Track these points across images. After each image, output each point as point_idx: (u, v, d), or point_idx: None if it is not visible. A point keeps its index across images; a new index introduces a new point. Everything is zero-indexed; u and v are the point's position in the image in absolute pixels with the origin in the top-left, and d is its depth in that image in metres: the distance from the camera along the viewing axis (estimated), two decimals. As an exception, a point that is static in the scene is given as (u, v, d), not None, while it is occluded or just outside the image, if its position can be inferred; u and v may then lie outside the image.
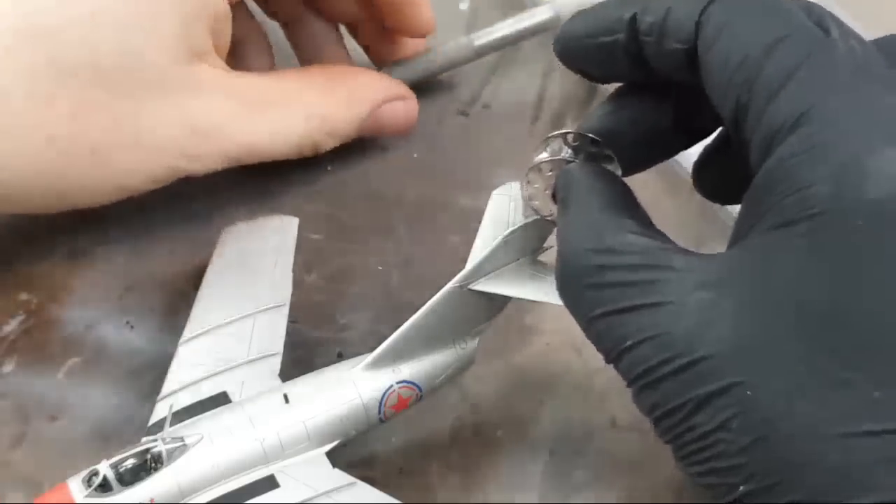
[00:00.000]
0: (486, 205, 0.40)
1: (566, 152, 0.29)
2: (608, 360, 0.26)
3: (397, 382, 0.35)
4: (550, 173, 0.30)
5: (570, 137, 0.30)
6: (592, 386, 0.39)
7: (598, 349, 0.26)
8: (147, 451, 0.32)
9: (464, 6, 0.53)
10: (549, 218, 0.31)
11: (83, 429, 0.37)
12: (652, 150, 0.31)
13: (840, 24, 0.26)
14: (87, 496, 0.31)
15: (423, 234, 0.44)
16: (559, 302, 0.33)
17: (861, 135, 0.23)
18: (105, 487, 0.31)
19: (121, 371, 0.39)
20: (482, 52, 0.47)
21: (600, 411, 0.38)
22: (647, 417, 0.26)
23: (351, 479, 0.33)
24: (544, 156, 0.29)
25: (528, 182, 0.31)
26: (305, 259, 0.42)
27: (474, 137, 0.46)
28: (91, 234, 0.43)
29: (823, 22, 0.26)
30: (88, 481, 0.31)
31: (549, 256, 0.35)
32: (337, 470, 0.34)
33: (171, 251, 0.42)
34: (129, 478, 0.31)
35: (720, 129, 0.32)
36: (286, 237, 0.40)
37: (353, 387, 0.34)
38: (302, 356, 0.38)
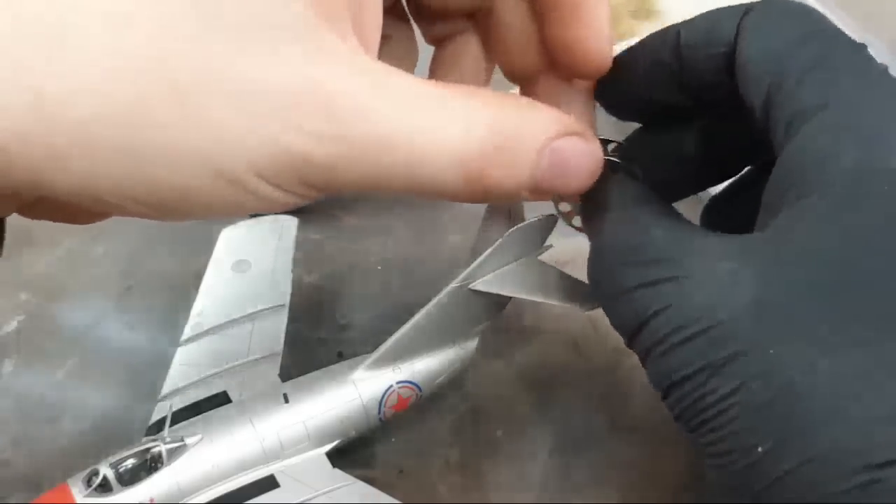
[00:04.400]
0: (485, 205, 0.40)
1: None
2: (628, 340, 0.26)
3: (397, 382, 0.35)
4: None
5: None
6: (592, 386, 0.39)
7: (620, 328, 0.27)
8: (147, 450, 0.32)
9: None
10: (571, 220, 0.32)
11: (83, 429, 0.37)
12: (676, 182, 0.32)
13: None
14: (87, 496, 0.31)
15: (423, 234, 0.44)
16: (559, 302, 0.33)
17: (883, 115, 0.25)
18: (105, 487, 0.31)
19: (121, 371, 0.39)
20: None
21: (600, 411, 0.38)
22: (658, 390, 0.26)
23: (351, 478, 0.33)
24: None
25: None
26: (305, 259, 0.42)
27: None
28: (91, 234, 0.43)
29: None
30: (88, 481, 0.31)
31: (549, 257, 0.35)
32: (337, 470, 0.34)
33: (171, 251, 0.42)
34: (128, 478, 0.31)
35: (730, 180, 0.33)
36: (285, 237, 0.40)
37: (352, 387, 0.34)
38: (302, 356, 0.38)
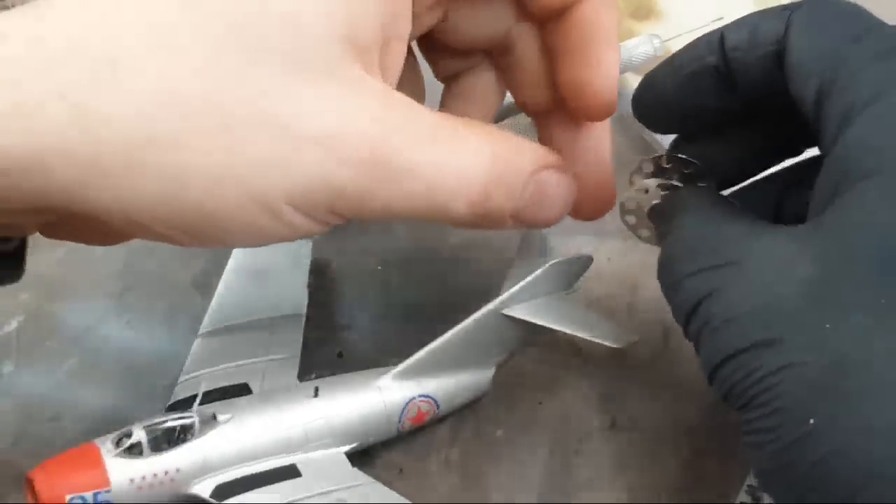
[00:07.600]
0: (520, 237, 0.41)
1: (673, 176, 0.33)
2: (685, 320, 0.27)
3: (419, 395, 0.35)
4: (648, 193, 0.33)
5: (664, 159, 0.32)
6: (592, 386, 0.39)
7: (679, 308, 0.28)
8: (181, 419, 0.32)
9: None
10: (638, 231, 0.33)
11: (83, 429, 0.37)
12: (741, 165, 0.33)
13: None
14: (116, 455, 0.31)
15: (423, 234, 0.44)
16: (590, 337, 0.35)
17: None
18: (135, 450, 0.31)
19: (121, 371, 0.39)
20: None
21: (600, 411, 0.38)
22: (708, 369, 0.26)
23: (370, 479, 0.34)
24: (648, 180, 0.33)
25: (626, 206, 0.33)
26: (305, 258, 0.42)
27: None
28: (91, 234, 0.43)
29: None
30: (118, 442, 0.31)
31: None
32: (357, 469, 0.34)
33: (171, 251, 0.42)
34: (160, 444, 0.32)
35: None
36: (301, 257, 0.41)
37: (378, 392, 0.35)
38: (302, 356, 0.38)
